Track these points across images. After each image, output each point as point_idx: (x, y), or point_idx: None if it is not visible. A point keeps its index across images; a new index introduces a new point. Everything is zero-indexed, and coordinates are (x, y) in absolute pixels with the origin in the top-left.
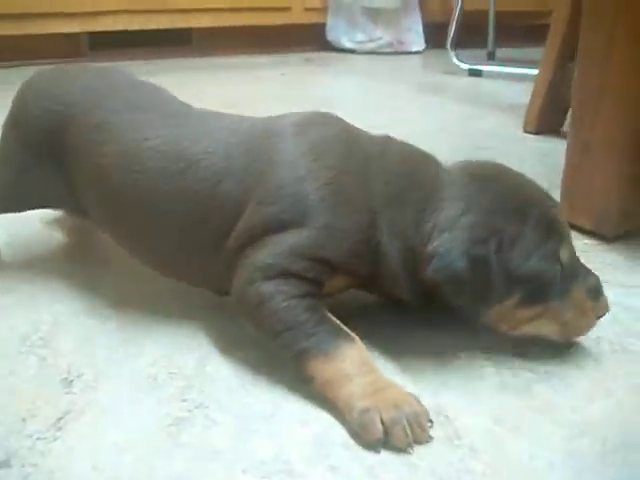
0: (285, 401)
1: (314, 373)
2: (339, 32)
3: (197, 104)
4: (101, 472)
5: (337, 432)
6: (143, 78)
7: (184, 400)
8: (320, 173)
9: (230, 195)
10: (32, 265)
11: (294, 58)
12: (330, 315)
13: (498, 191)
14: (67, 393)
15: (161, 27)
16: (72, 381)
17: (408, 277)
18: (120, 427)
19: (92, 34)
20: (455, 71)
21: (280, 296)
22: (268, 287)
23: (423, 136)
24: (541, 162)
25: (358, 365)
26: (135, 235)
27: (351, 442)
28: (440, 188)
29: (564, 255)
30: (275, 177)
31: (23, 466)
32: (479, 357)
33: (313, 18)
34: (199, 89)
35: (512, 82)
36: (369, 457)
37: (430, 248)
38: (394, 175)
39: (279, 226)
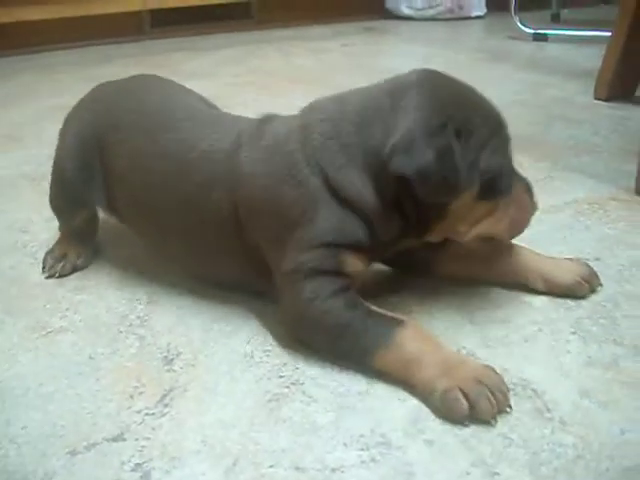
0: (377, 378)
1: (383, 367)
2: (398, 0)
3: (264, 79)
4: (211, 447)
5: (431, 406)
6: (204, 53)
7: (281, 377)
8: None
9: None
10: (119, 248)
11: (354, 28)
12: (370, 305)
13: (448, 93)
14: (168, 371)
15: (220, 2)
16: (172, 359)
17: (386, 212)
18: (223, 403)
19: (153, 12)
20: (519, 36)
21: (317, 301)
22: (304, 295)
23: None
24: (616, 131)
25: (420, 344)
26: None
27: (445, 416)
28: (395, 107)
29: (509, 152)
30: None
31: (137, 439)
32: (564, 331)
33: None
34: (262, 63)
35: (579, 46)
36: (463, 430)
37: (389, 146)
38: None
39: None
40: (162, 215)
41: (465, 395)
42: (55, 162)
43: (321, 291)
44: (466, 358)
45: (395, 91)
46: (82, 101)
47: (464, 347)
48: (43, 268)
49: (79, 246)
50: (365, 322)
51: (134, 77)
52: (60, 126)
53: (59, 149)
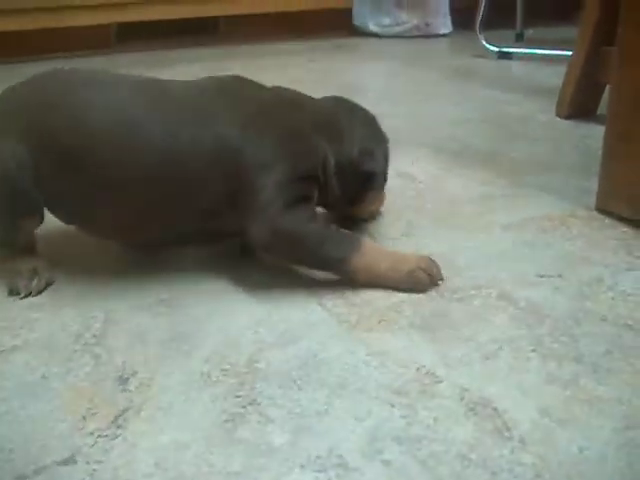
0: (336, 396)
1: (356, 267)
2: (365, 17)
3: None
4: (164, 470)
5: (390, 426)
6: (171, 67)
7: (238, 397)
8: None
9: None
10: (74, 263)
11: (322, 44)
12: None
13: (366, 123)
14: (123, 391)
15: (187, 16)
16: (127, 379)
17: (339, 184)
18: (178, 424)
19: (119, 25)
20: (484, 54)
21: (303, 219)
22: (288, 220)
23: (458, 123)
24: (577, 149)
25: (379, 249)
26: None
27: (404, 436)
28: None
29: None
30: None
31: (88, 463)
32: (525, 349)
33: (340, 3)
34: None
35: (543, 64)
36: (422, 451)
37: (357, 151)
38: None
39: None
40: (127, 185)
41: (423, 270)
42: None
43: (304, 213)
44: (409, 253)
45: (344, 109)
46: None
47: (423, 366)
48: (11, 292)
49: (38, 259)
50: (339, 235)
51: (33, 77)
52: None
53: None
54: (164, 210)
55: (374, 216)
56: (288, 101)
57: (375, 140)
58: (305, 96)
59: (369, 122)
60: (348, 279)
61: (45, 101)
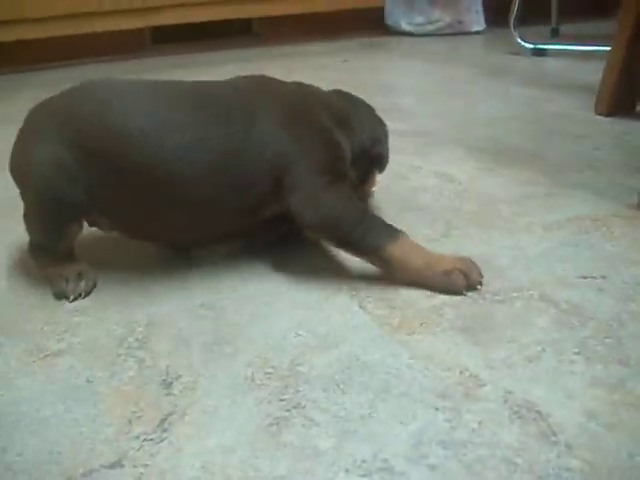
0: (380, 400)
1: (391, 257)
2: (398, 15)
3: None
4: (211, 474)
5: (434, 430)
6: (206, 69)
7: (282, 400)
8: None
9: None
10: (113, 268)
11: (354, 44)
12: None
13: (368, 112)
14: (167, 395)
15: (221, 18)
16: (171, 383)
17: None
18: (223, 428)
19: (154, 28)
20: (518, 51)
21: (344, 198)
22: (330, 195)
23: (494, 122)
24: (617, 146)
25: (417, 245)
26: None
27: (449, 440)
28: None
29: None
30: None
31: (135, 466)
32: (569, 351)
33: (371, 2)
34: None
35: (579, 60)
36: (467, 455)
37: (368, 139)
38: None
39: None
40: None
41: (461, 272)
42: (33, 184)
43: (345, 190)
44: (449, 254)
45: (348, 100)
46: (34, 122)
47: (467, 369)
48: (58, 296)
49: (80, 263)
50: (379, 221)
51: (72, 88)
52: None
53: (32, 176)
54: (215, 209)
55: (370, 195)
56: (313, 96)
57: (378, 126)
58: (320, 90)
59: (369, 110)
60: (381, 269)
61: (90, 109)
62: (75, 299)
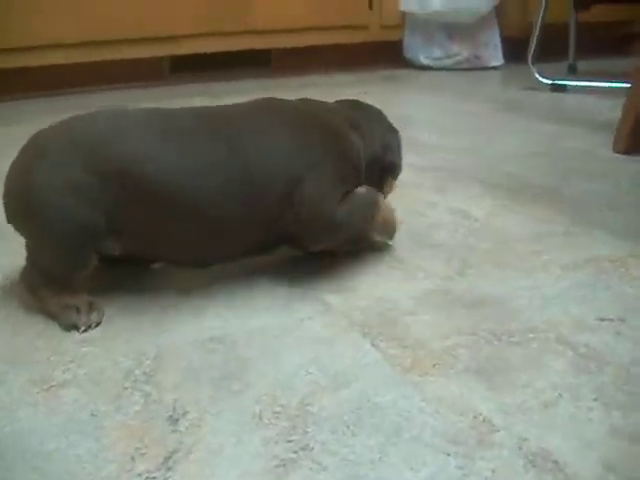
0: (391, 444)
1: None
2: (416, 49)
3: None
4: None
5: (446, 477)
6: (224, 99)
7: (289, 441)
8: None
9: None
10: (123, 297)
11: (373, 76)
12: None
13: (380, 119)
14: (173, 431)
15: (240, 49)
16: (177, 419)
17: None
18: (228, 468)
19: (173, 57)
20: (536, 86)
21: (349, 215)
22: (340, 214)
23: (512, 159)
24: (636, 185)
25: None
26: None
27: None
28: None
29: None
30: None
31: None
32: (586, 397)
33: (390, 36)
34: None
35: (598, 97)
36: None
37: (380, 146)
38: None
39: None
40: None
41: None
42: (48, 211)
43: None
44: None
45: (359, 109)
46: (42, 147)
47: (480, 413)
48: (67, 327)
49: (89, 295)
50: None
51: (89, 113)
52: None
53: (46, 203)
54: (238, 229)
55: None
56: (322, 105)
57: (390, 133)
58: (328, 102)
59: (382, 118)
60: None
61: (113, 136)
62: (85, 330)
